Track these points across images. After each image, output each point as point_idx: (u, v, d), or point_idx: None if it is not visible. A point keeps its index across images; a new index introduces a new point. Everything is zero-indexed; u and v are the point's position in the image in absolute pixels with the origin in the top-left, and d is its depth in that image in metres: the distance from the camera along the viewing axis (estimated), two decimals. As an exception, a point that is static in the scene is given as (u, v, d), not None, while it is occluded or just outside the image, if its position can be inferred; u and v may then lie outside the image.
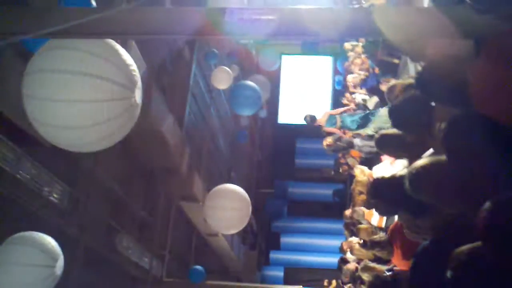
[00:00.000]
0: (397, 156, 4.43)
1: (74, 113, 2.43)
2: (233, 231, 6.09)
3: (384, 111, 7.41)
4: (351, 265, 7.74)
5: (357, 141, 9.87)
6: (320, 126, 9.29)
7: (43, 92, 2.43)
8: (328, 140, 10.42)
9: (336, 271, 15.29)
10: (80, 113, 2.43)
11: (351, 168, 11.20)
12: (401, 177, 2.85)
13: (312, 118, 9.65)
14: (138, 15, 2.51)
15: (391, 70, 9.84)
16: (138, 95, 2.68)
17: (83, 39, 2.50)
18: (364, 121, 8.06)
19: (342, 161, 13.05)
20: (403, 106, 3.36)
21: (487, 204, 1.87)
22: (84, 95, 2.42)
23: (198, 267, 9.67)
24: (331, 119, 9.05)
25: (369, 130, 8.06)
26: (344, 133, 9.28)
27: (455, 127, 2.32)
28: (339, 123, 8.86)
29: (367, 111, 8.47)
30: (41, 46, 2.59)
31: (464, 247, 2.01)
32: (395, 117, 3.48)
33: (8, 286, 3.84)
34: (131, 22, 2.48)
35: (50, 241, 4.04)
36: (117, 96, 2.50)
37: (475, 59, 2.24)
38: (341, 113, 9.02)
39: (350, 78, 12.27)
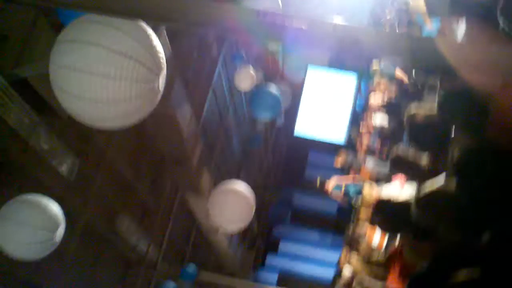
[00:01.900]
0: (409, 177, 4.43)
1: (95, 86, 2.47)
2: (234, 228, 6.12)
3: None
4: (347, 278, 7.74)
5: (369, 163, 10.36)
6: (326, 191, 10.85)
7: (70, 61, 2.48)
8: (341, 157, 11.40)
9: (330, 284, 15.34)
10: (102, 87, 2.48)
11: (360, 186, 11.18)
12: (408, 202, 2.87)
13: (322, 182, 11.22)
14: (173, 2, 2.54)
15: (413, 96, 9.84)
16: (161, 82, 2.72)
17: (116, 17, 2.54)
18: (360, 192, 9.21)
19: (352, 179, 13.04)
20: (423, 124, 3.34)
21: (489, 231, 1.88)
22: (109, 70, 2.46)
23: (192, 266, 9.71)
24: (337, 187, 10.62)
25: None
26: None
27: (468, 154, 2.33)
28: (342, 191, 10.45)
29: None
30: (75, 19, 2.63)
31: (461, 273, 2.02)
32: (413, 129, 3.45)
33: (6, 241, 3.89)
34: (165, 8, 2.51)
35: (55, 208, 4.09)
36: (141, 78, 2.54)
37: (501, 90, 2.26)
38: (346, 181, 10.59)
39: (372, 100, 12.24)
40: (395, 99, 11.18)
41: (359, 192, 9.49)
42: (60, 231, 4.07)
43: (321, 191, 11.36)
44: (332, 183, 10.75)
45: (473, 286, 1.96)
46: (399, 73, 9.73)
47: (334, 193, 10.79)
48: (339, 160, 13.22)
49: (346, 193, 10.34)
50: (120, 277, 8.71)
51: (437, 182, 2.95)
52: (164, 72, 2.73)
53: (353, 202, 10.27)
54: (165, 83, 2.81)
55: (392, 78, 10.84)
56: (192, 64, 8.49)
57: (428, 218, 2.65)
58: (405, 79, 9.78)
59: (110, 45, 2.46)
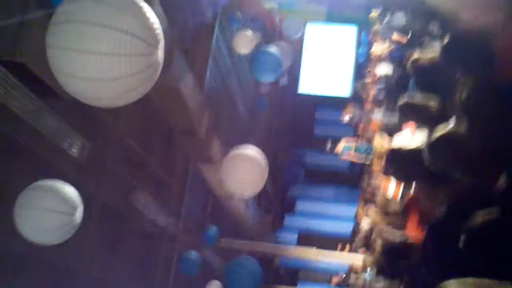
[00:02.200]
0: (419, 124, 4.39)
1: (95, 65, 2.44)
2: (249, 193, 6.12)
3: None
4: (365, 231, 7.80)
5: (377, 114, 10.48)
6: (337, 152, 11.40)
7: (66, 42, 2.45)
8: (349, 111, 11.59)
9: (349, 238, 15.49)
10: (101, 65, 2.44)
11: (370, 139, 11.21)
12: (420, 149, 2.85)
13: (333, 147, 11.84)
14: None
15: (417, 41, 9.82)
16: (160, 54, 2.68)
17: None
18: (370, 151, 9.96)
19: (361, 132, 13.03)
20: (427, 66, 3.29)
21: (505, 173, 1.86)
22: (106, 47, 2.43)
23: (213, 228, 9.84)
24: (346, 148, 11.16)
25: None
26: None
27: (477, 92, 2.29)
28: (352, 151, 11.02)
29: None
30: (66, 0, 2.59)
31: (479, 215, 2.01)
32: (419, 74, 3.40)
33: (28, 229, 3.94)
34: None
35: (71, 190, 4.12)
36: (139, 52, 2.51)
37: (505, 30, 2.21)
38: (354, 142, 11.20)
39: (374, 49, 12.10)
40: (398, 47, 11.05)
41: (369, 152, 10.10)
42: (79, 212, 4.10)
43: (332, 153, 11.95)
44: (341, 145, 11.25)
45: (491, 227, 1.95)
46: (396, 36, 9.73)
47: (344, 154, 11.32)
48: (347, 114, 13.28)
49: (357, 151, 10.93)
50: (143, 251, 8.84)
51: (448, 125, 2.92)
52: (162, 44, 2.68)
53: (363, 160, 10.85)
54: (164, 54, 2.77)
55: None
56: (189, 33, 8.39)
57: (441, 162, 2.63)
58: (403, 40, 9.78)
59: (104, 22, 2.42)
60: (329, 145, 12.41)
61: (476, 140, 2.41)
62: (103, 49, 2.44)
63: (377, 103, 11.64)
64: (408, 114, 3.94)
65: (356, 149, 10.94)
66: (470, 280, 1.64)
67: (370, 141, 10.90)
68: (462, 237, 2.02)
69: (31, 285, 5.51)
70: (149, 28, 2.59)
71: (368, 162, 10.78)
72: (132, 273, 8.44)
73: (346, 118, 12.52)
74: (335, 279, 14.17)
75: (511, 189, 1.84)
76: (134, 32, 2.50)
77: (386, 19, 10.72)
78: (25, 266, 5.30)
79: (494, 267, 1.97)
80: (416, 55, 3.35)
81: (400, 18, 10.30)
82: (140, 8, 2.58)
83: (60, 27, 2.51)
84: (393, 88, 9.84)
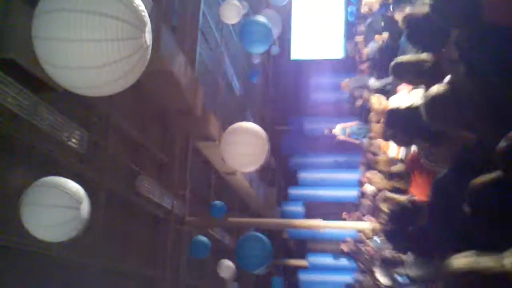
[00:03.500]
0: (414, 83, 4.36)
1: (82, 53, 2.41)
2: (251, 168, 6.11)
3: None
4: (370, 197, 7.82)
5: (372, 81, 10.65)
6: (335, 136, 12.13)
7: (52, 32, 2.41)
8: (345, 82, 11.91)
9: (355, 204, 15.59)
10: (89, 52, 2.41)
11: (366, 101, 11.20)
12: (418, 107, 2.82)
13: (330, 131, 12.55)
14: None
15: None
16: (148, 36, 2.65)
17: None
18: (366, 131, 10.34)
19: (357, 94, 13.02)
20: (418, 18, 3.23)
21: (510, 134, 1.84)
22: (92, 34, 2.39)
23: (218, 202, 9.88)
24: (343, 130, 11.85)
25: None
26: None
27: (472, 39, 2.26)
28: (348, 132, 11.71)
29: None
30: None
31: (482, 177, 1.99)
32: (412, 29, 3.34)
33: (36, 226, 3.95)
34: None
35: (74, 185, 4.12)
36: (126, 36, 2.47)
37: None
38: (350, 125, 11.80)
39: (366, 1, 12.04)
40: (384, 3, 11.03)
41: (365, 135, 10.72)
42: (85, 206, 4.10)
43: (331, 139, 12.67)
44: (338, 129, 11.98)
45: (496, 186, 1.93)
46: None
47: (342, 138, 12.04)
48: (344, 83, 13.50)
49: (352, 133, 11.62)
50: (152, 236, 8.89)
51: (444, 82, 2.90)
52: (149, 25, 2.65)
53: (359, 141, 11.50)
54: (152, 36, 2.73)
55: None
56: (176, 10, 8.28)
57: (442, 117, 2.60)
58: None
59: (88, 8, 2.37)
60: (326, 130, 13.01)
61: (473, 92, 2.39)
62: (90, 35, 2.40)
63: (371, 63, 11.67)
64: (402, 73, 3.89)
65: (352, 132, 11.60)
66: (472, 256, 1.64)
67: (367, 102, 10.94)
68: (465, 203, 2.00)
69: (42, 281, 5.54)
70: (134, 10, 2.55)
71: (363, 142, 11.22)
72: (142, 260, 8.50)
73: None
74: (344, 247, 14.35)
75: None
76: (119, 16, 2.46)
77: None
78: (33, 261, 5.33)
79: (498, 232, 1.97)
80: (408, 10, 3.29)
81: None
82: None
83: (45, 17, 2.48)
84: (384, 50, 9.85)
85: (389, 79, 10.78)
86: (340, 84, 13.58)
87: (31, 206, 3.93)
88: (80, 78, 2.54)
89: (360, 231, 12.57)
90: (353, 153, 15.14)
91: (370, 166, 8.04)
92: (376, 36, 10.73)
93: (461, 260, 1.68)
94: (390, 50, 8.69)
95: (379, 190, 6.68)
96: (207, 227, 10.82)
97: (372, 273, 9.24)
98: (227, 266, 10.18)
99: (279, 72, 19.10)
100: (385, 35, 10.31)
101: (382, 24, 10.25)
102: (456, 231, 2.55)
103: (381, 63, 10.73)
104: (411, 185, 4.53)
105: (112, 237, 7.06)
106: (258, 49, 9.48)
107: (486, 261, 1.63)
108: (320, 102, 19.31)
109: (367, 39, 12.00)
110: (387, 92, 10.15)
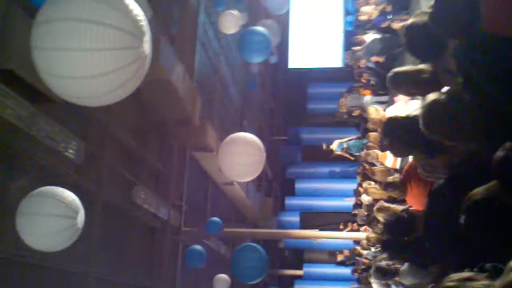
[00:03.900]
0: (412, 94, 4.36)
1: (81, 62, 2.41)
2: (248, 178, 6.12)
3: None
4: (366, 207, 7.83)
5: (368, 98, 11.04)
6: (332, 151, 12.49)
7: (50, 42, 2.42)
8: (341, 101, 12.10)
9: (351, 214, 15.58)
10: (87, 62, 2.41)
11: (364, 111, 11.26)
12: (415, 117, 2.82)
13: (328, 147, 12.86)
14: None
15: (403, 6, 10.23)
16: (147, 45, 2.65)
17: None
18: (363, 146, 10.41)
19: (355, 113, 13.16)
20: (417, 28, 3.22)
21: (507, 144, 1.84)
22: (90, 44, 2.39)
23: (215, 219, 9.83)
24: (340, 145, 12.13)
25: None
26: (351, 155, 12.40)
27: (470, 49, 2.26)
28: (345, 147, 11.97)
29: (365, 141, 10.48)
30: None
31: (478, 189, 1.99)
32: (410, 37, 3.32)
33: (31, 236, 3.93)
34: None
35: (70, 194, 4.11)
36: (124, 45, 2.48)
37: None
38: (347, 141, 12.08)
39: (364, 10, 12.20)
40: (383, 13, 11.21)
41: (361, 148, 10.92)
42: (81, 216, 4.09)
43: (328, 154, 13.07)
44: (335, 145, 12.26)
45: (491, 198, 1.93)
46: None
47: (339, 153, 12.35)
48: (342, 106, 13.86)
49: (349, 149, 11.90)
50: (147, 246, 8.86)
51: (442, 91, 2.90)
52: (147, 35, 2.65)
53: (356, 155, 11.81)
54: (151, 46, 2.74)
55: None
56: (174, 20, 8.31)
57: (439, 127, 2.58)
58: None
59: (87, 18, 2.38)
60: (324, 146, 13.21)
61: (470, 103, 2.39)
62: (89, 45, 2.41)
63: (370, 72, 11.84)
64: (400, 84, 3.87)
65: (349, 147, 11.83)
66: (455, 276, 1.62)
67: (364, 112, 11.07)
68: (462, 216, 2.00)
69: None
70: (133, 19, 2.56)
71: (358, 156, 11.46)
72: (138, 270, 8.46)
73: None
74: (339, 257, 14.39)
75: (508, 162, 1.83)
76: (118, 25, 2.47)
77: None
78: (30, 272, 5.31)
79: (494, 243, 1.97)
80: (410, 20, 3.29)
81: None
82: (122, 0, 2.55)
83: (44, 27, 2.48)
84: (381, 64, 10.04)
85: (385, 97, 11.15)
86: (338, 93, 13.76)
87: (27, 215, 3.91)
88: (78, 88, 2.54)
89: (356, 241, 12.59)
90: (350, 163, 15.16)
91: (367, 176, 8.04)
92: (373, 58, 10.93)
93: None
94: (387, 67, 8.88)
95: (376, 200, 6.68)
96: (203, 237, 10.78)
97: (368, 283, 9.23)
98: (222, 280, 10.12)
99: (277, 81, 19.12)
100: (382, 58, 10.56)
101: (380, 46, 10.49)
102: (451, 241, 2.56)
103: (379, 78, 10.95)
104: (407, 195, 4.53)
105: (108, 247, 7.03)
106: (257, 59, 9.50)
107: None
108: (317, 111, 19.34)
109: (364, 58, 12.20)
110: (384, 103, 10.33)
